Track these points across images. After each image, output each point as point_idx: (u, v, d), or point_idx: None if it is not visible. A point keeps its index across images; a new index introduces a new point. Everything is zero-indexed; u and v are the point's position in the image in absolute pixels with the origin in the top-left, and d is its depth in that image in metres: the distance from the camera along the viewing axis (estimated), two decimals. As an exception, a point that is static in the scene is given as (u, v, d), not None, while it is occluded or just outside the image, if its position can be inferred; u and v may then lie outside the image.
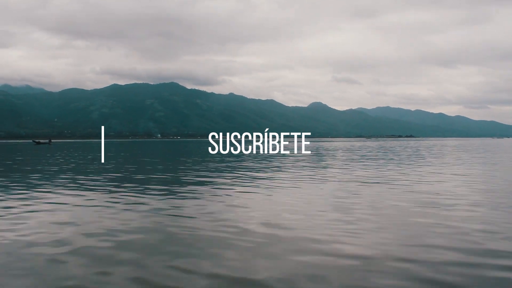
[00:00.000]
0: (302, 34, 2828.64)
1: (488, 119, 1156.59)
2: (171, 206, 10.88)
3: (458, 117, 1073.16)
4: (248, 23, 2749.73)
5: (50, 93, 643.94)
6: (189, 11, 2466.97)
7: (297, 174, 19.47)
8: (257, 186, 14.88)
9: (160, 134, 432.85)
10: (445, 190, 13.57)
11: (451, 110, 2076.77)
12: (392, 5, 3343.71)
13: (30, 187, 15.18)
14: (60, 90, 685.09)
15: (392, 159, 32.75)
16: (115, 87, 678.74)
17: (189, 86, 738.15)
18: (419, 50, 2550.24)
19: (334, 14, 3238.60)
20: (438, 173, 19.89)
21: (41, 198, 12.37)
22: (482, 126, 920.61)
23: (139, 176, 19.27)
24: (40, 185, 15.91)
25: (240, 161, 29.63)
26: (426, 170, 21.58)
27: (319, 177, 17.83)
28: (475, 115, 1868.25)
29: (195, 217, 9.39)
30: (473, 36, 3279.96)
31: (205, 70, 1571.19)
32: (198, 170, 22.05)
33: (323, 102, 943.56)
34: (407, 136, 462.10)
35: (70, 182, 16.63)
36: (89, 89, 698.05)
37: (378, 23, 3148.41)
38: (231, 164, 26.95)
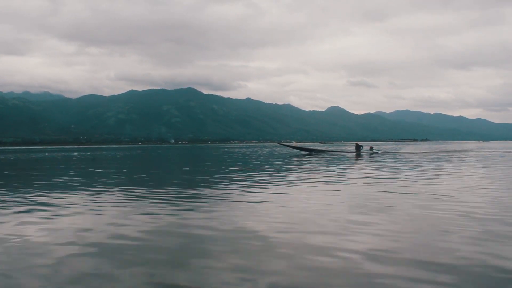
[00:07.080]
0: (313, 38, 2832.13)
1: (510, 121, 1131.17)
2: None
3: (478, 120, 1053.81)
4: (258, 27, 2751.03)
5: (69, 100, 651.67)
6: (198, 17, 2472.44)
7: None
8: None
9: (174, 139, 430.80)
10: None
11: (471, 113, 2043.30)
12: (401, 8, 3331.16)
13: None
14: (78, 96, 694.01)
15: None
16: (132, 93, 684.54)
17: (205, 92, 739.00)
18: (433, 53, 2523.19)
19: (344, 17, 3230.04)
20: None
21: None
22: (504, 129, 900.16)
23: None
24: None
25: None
26: None
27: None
28: (496, 118, 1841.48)
29: None
30: (487, 38, 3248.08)
31: (220, 75, 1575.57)
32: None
33: (341, 106, 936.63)
34: (422, 140, 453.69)
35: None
36: (106, 95, 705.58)
37: (389, 26, 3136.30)
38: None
